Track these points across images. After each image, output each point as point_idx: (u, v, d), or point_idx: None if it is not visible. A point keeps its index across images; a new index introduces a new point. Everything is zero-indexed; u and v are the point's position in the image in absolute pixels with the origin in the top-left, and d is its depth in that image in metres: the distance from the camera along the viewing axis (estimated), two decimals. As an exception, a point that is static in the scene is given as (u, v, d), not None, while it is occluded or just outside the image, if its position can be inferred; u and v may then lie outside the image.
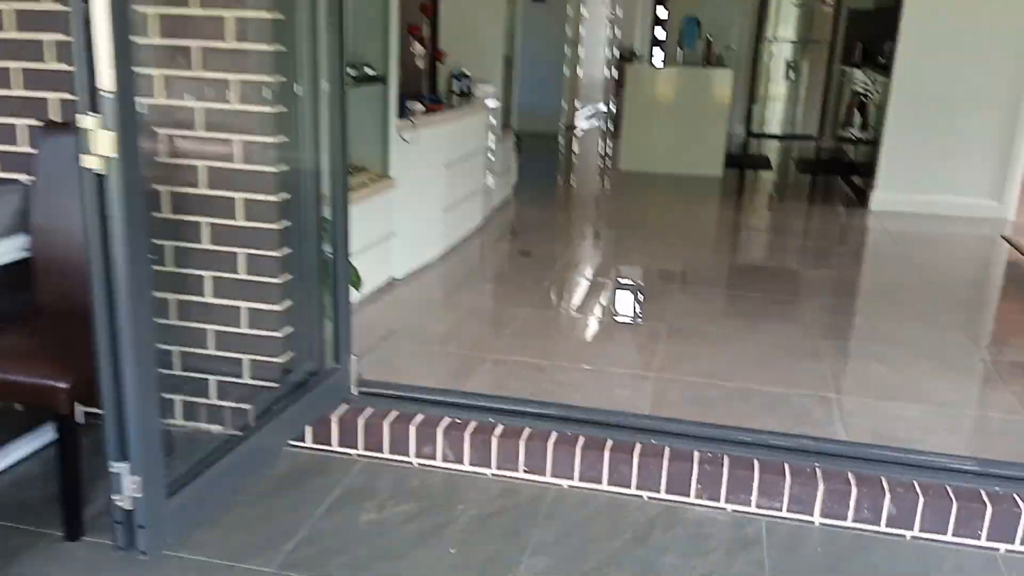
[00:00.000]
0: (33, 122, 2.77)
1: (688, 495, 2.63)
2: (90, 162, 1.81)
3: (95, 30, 1.73)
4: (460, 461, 2.76)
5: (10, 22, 2.72)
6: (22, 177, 2.76)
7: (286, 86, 2.63)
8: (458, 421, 2.79)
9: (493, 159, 5.87)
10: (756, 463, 2.61)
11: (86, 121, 1.79)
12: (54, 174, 2.62)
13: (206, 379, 2.88)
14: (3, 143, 2.85)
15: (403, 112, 4.29)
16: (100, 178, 1.82)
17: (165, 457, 2.16)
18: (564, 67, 10.84)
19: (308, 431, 2.85)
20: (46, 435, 2.72)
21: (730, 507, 2.60)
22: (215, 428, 2.89)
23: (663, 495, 2.64)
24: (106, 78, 1.75)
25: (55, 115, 2.77)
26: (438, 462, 2.78)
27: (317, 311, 2.90)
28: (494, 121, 5.81)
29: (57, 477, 2.31)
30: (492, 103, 5.72)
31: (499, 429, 2.75)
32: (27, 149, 2.79)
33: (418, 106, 4.51)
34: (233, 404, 2.88)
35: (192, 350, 2.85)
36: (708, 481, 2.60)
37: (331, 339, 2.92)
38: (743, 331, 3.86)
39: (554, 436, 2.71)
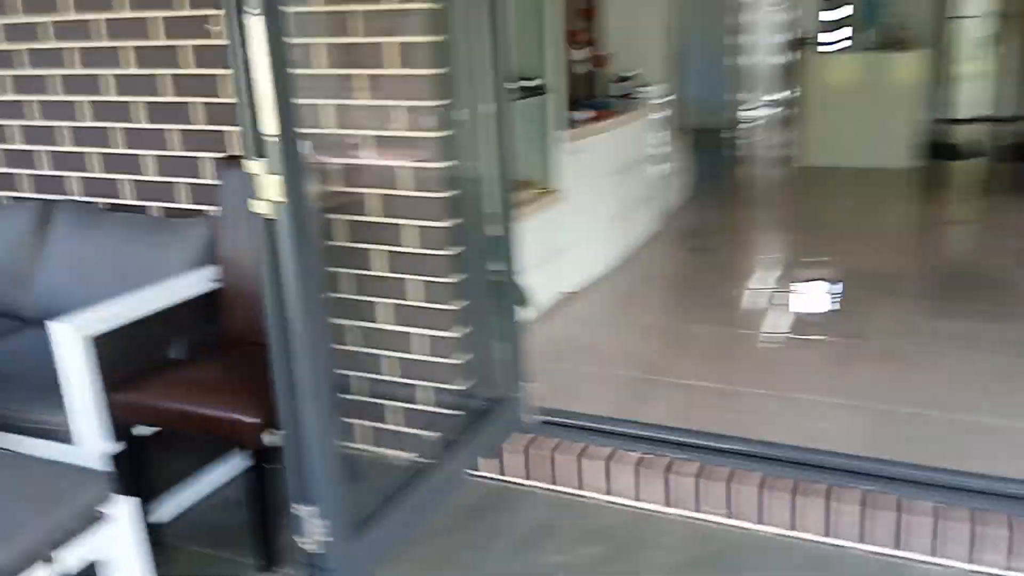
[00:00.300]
0: (216, 155, 2.84)
1: (921, 551, 2.29)
2: (259, 207, 1.76)
3: (255, 76, 1.68)
4: (647, 500, 2.57)
5: (189, 59, 2.80)
6: (209, 208, 2.84)
7: (450, 109, 2.54)
8: (645, 456, 2.60)
9: (664, 162, 5.63)
10: (1009, 520, 2.23)
11: (253, 166, 1.75)
12: (237, 205, 2.65)
13: (388, 405, 2.86)
14: (189, 176, 2.95)
15: (567, 121, 4.15)
16: (270, 222, 1.77)
17: (350, 483, 2.12)
18: (731, 57, 10.36)
19: (485, 460, 2.76)
20: (242, 461, 2.78)
21: (973, 567, 2.25)
22: (398, 455, 2.86)
23: (889, 550, 2.31)
24: (269, 123, 1.70)
25: (235, 148, 2.82)
26: (623, 499, 2.60)
27: (492, 337, 2.81)
28: (662, 122, 5.56)
29: (249, 506, 2.33)
30: (659, 103, 5.48)
31: (690, 467, 2.53)
32: (212, 181, 2.87)
33: (582, 114, 4.35)
34: (414, 431, 2.84)
35: (373, 376, 2.84)
36: (947, 536, 2.26)
37: (506, 365, 2.82)
38: (958, 349, 3.41)
39: (754, 477, 2.46)
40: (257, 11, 1.65)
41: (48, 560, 1.76)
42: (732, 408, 2.97)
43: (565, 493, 2.66)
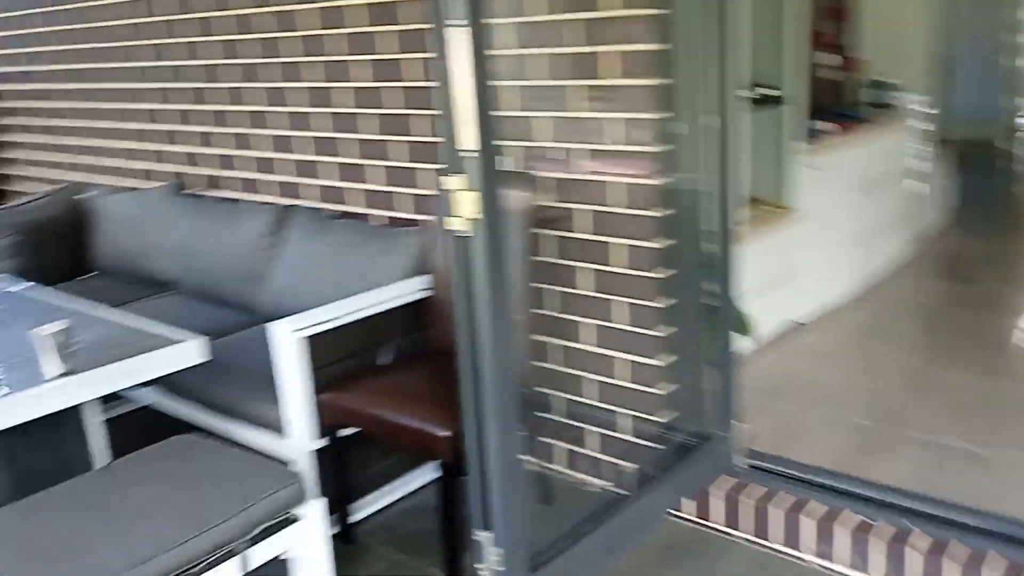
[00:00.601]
0: (434, 165, 2.88)
1: None
2: (454, 224, 1.71)
3: (453, 89, 1.63)
4: (868, 572, 2.25)
5: (418, 72, 2.85)
6: (427, 219, 2.88)
7: (670, 121, 2.37)
8: (869, 521, 2.28)
9: (921, 178, 5.04)
10: None
11: (449, 182, 1.69)
12: (453, 216, 2.67)
13: (585, 429, 2.75)
14: (409, 186, 3.01)
15: (807, 133, 3.80)
16: (464, 239, 1.72)
17: (535, 509, 2.03)
18: (1008, 58, 9.14)
19: (687, 500, 2.56)
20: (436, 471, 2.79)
21: None
22: (592, 481, 2.75)
23: None
24: (468, 138, 1.64)
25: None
26: (840, 567, 2.30)
27: (702, 367, 2.60)
28: (921, 133, 4.99)
29: (440, 518, 2.32)
30: (918, 112, 4.91)
31: (925, 541, 2.19)
32: (430, 192, 2.91)
33: (827, 125, 3.98)
34: (611, 459, 2.71)
35: (571, 397, 2.74)
36: None
37: (716, 399, 2.60)
38: None
39: (1003, 563, 2.08)
40: (458, 23, 1.59)
41: (238, 554, 1.82)
42: (985, 475, 2.54)
43: (772, 549, 2.40)
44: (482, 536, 1.94)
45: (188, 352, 2.21)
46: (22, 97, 4.58)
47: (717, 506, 2.51)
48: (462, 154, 1.66)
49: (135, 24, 3.80)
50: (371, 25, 2.93)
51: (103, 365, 2.06)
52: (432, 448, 2.25)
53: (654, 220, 2.44)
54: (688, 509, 2.57)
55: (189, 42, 3.59)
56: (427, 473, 2.75)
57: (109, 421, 3.28)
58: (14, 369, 2.06)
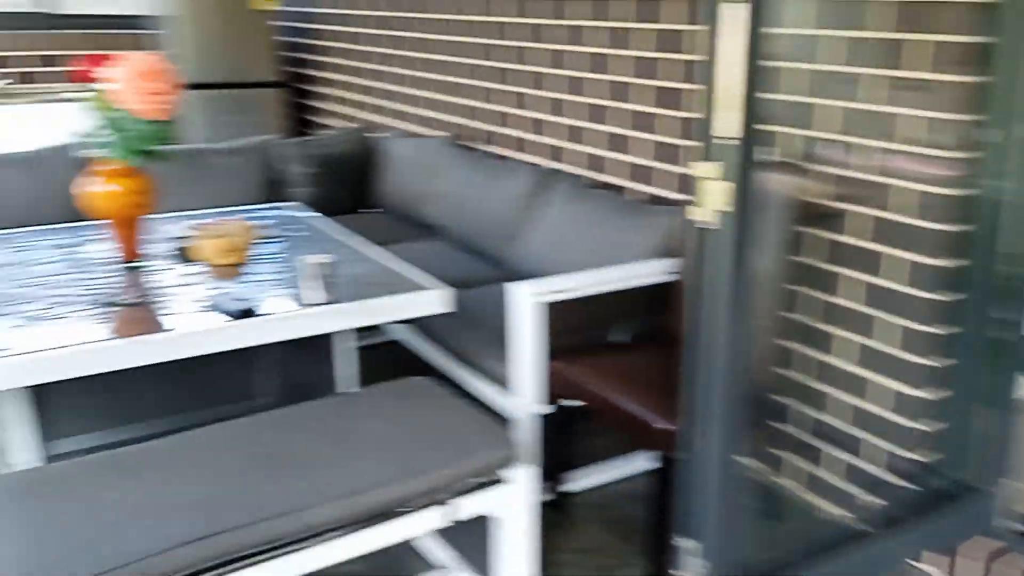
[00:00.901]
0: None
1: None
2: (699, 213, 1.60)
3: (719, 69, 1.50)
4: None
5: (648, 42, 2.71)
6: (684, 198, 2.77)
7: (982, 126, 2.05)
8: None
9: None
10: None
11: (701, 168, 1.58)
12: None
13: (825, 450, 2.52)
14: (671, 162, 2.90)
15: None
16: (708, 231, 1.60)
17: (750, 525, 1.90)
18: None
19: (931, 554, 2.27)
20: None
21: None
22: (826, 506, 2.52)
23: None
24: (727, 123, 1.51)
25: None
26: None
27: (978, 408, 2.27)
28: None
29: (650, 509, 2.25)
30: None
31: None
32: (687, 170, 2.79)
33: None
34: (852, 488, 2.46)
35: (814, 413, 2.52)
36: None
37: (988, 447, 2.26)
38: None
39: None
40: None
41: (443, 504, 1.88)
42: None
43: (1027, 632, 2.07)
44: (685, 544, 1.84)
45: (433, 300, 2.30)
46: (337, 38, 5.00)
47: (968, 568, 2.20)
48: (718, 140, 1.54)
49: (441, -22, 3.98)
50: (662, -8, 2.83)
51: (356, 300, 2.19)
52: (650, 438, 2.18)
53: (946, 235, 2.14)
54: (931, 563, 2.27)
55: (486, -1, 3.70)
56: (649, 460, 2.67)
57: (363, 349, 3.57)
58: (283, 289, 2.26)
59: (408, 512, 1.83)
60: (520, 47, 3.54)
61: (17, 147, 3.61)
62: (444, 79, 4.09)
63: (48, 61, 4.94)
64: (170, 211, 3.41)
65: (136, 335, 1.93)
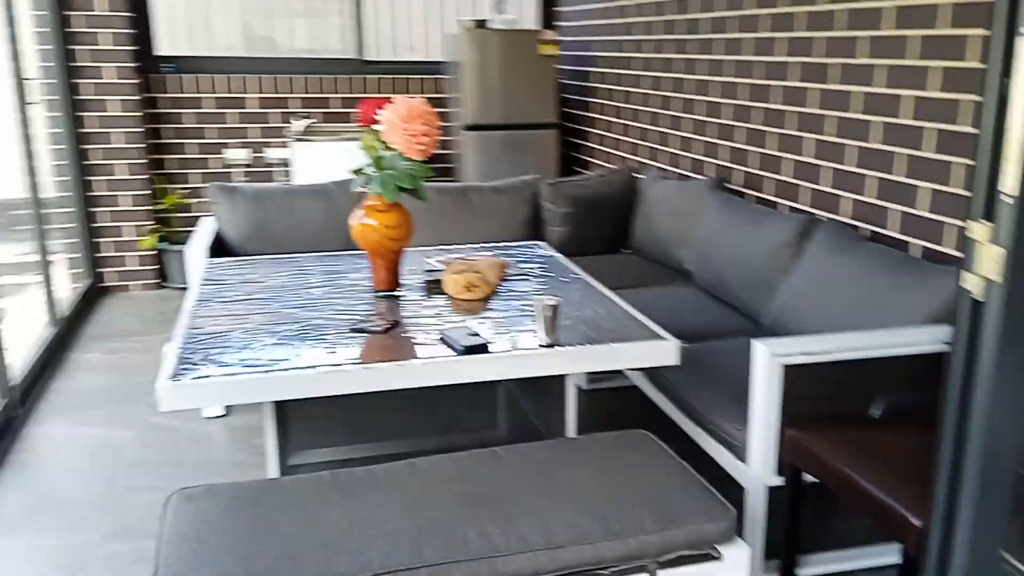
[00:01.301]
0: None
1: None
2: (969, 281, 1.36)
3: (1010, 114, 1.26)
4: None
5: (935, 80, 2.40)
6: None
7: None
8: None
9: None
10: None
11: (975, 229, 1.34)
12: None
13: None
14: (959, 216, 2.55)
15: None
16: (975, 302, 1.36)
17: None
18: None
19: None
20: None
21: None
22: None
23: None
24: (1010, 178, 1.27)
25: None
26: None
27: None
28: None
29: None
30: None
31: None
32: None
33: None
34: None
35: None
36: None
37: None
38: None
39: None
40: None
41: (647, 572, 1.76)
42: None
43: None
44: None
45: (661, 351, 2.20)
46: (609, 81, 5.05)
47: None
48: (1001, 197, 1.31)
49: (709, 18, 3.88)
50: (953, 27, 2.52)
51: (583, 344, 2.15)
52: (898, 531, 1.90)
53: None
54: None
55: (756, 38, 3.54)
56: (898, 553, 2.34)
57: (602, 391, 3.53)
58: (519, 328, 2.28)
59: (602, 575, 1.74)
60: (790, 87, 3.34)
61: (315, 180, 4.04)
62: (710, 120, 3.97)
63: (348, 103, 5.49)
64: (436, 244, 3.62)
65: (372, 362, 2.03)
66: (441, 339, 2.19)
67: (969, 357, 1.40)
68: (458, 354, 2.10)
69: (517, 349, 2.13)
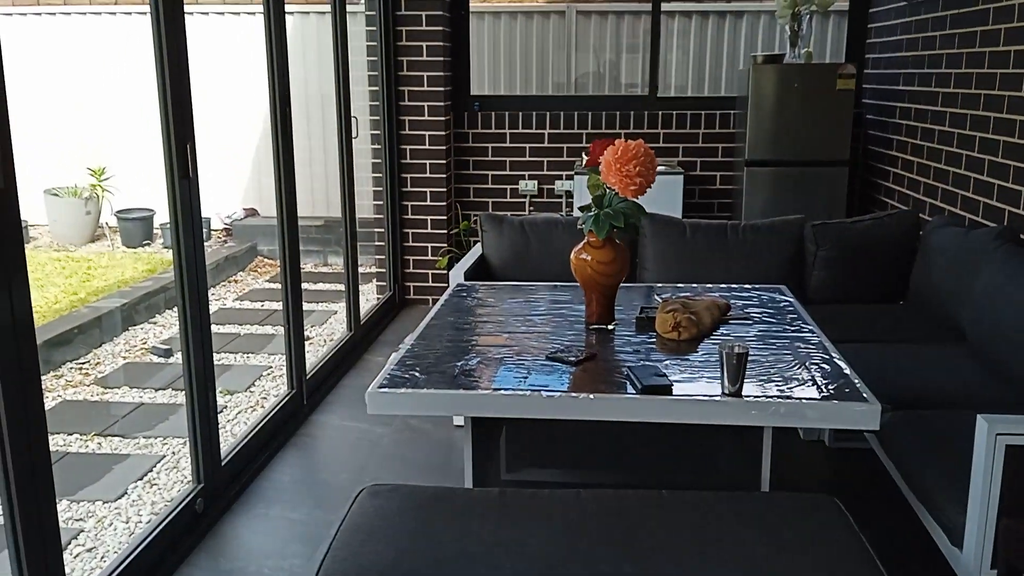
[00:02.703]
0: None
1: None
2: None
3: None
4: None
5: None
6: None
7: None
8: None
9: None
10: None
11: None
12: None
13: None
14: None
15: None
16: None
17: None
18: None
19: None
20: None
21: None
22: None
23: None
24: None
25: None
26: None
27: None
28: None
29: None
30: None
31: None
32: None
33: None
34: None
35: None
36: None
37: None
38: None
39: None
40: None
41: (789, 645, 1.67)
42: None
43: None
44: None
45: (858, 415, 2.04)
46: (914, 116, 4.65)
47: None
48: None
49: (1013, 51, 3.44)
50: None
51: (775, 398, 2.08)
52: None
53: None
54: None
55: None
56: None
57: (840, 450, 3.30)
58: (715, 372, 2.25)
59: (743, 638, 1.68)
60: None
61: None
62: (1008, 163, 3.53)
63: (636, 137, 5.63)
64: (690, 281, 3.64)
65: (561, 392, 2.14)
66: (626, 375, 2.24)
67: None
68: (637, 392, 2.13)
69: (697, 395, 2.11)
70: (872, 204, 5.28)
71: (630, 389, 2.16)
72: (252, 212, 7.24)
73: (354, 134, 4.67)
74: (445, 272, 5.62)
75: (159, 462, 3.53)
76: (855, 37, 5.56)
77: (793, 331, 2.62)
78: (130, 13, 6.87)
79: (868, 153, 5.35)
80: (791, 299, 3.00)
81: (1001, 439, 1.95)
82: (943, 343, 3.24)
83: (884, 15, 5.16)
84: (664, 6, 5.73)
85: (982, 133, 3.78)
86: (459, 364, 2.34)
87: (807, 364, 2.31)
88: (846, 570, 1.74)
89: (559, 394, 2.13)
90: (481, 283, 3.29)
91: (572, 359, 2.36)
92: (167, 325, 5.30)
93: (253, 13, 6.89)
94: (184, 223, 2.76)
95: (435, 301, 5.65)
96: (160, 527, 2.64)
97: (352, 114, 4.64)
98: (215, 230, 7.14)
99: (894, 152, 4.91)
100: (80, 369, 4.56)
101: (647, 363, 2.33)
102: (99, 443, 3.72)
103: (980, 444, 1.98)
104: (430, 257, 5.63)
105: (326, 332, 5.36)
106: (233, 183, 7.20)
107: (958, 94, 4.04)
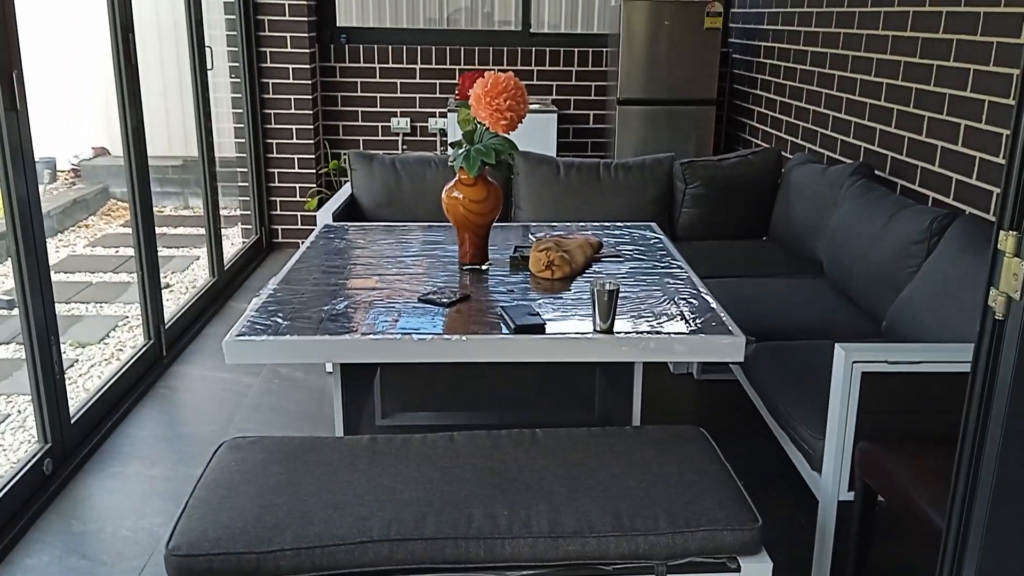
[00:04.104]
0: None
1: None
2: (992, 297, 1.19)
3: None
4: None
5: None
6: None
7: None
8: None
9: None
10: None
11: (1003, 239, 1.17)
12: None
13: None
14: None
15: None
16: (996, 322, 1.18)
17: None
18: None
19: None
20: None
21: None
22: None
23: None
24: None
25: None
26: None
27: None
28: None
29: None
30: None
31: None
32: None
33: None
34: None
35: None
36: None
37: None
38: None
39: None
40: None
41: (655, 574, 1.69)
42: None
43: None
44: None
45: (724, 348, 2.08)
46: (774, 55, 4.75)
47: None
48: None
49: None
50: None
51: (645, 333, 2.08)
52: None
53: None
54: None
55: (917, 11, 3.20)
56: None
57: (710, 383, 3.41)
58: (587, 309, 2.24)
59: (606, 571, 1.69)
60: (950, 67, 3.00)
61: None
62: (865, 100, 3.66)
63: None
64: (562, 219, 3.61)
65: (417, 332, 2.07)
66: (499, 316, 2.20)
67: (985, 375, 1.22)
68: (510, 332, 2.09)
69: (570, 333, 2.09)
70: (737, 143, 5.42)
71: (504, 329, 2.12)
72: (102, 152, 6.74)
73: (209, 66, 4.37)
74: (314, 214, 5.41)
75: (3, 421, 3.27)
76: (723, -25, 5.61)
77: (663, 267, 2.64)
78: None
79: (734, 92, 5.46)
80: (660, 236, 3.02)
81: (857, 367, 2.03)
82: (803, 276, 3.37)
83: (750, -46, 5.22)
84: (536, -62, 5.60)
85: (840, 72, 3.90)
86: (326, 308, 2.24)
87: (676, 299, 2.33)
88: (712, 496, 1.77)
89: (431, 336, 2.07)
90: (351, 224, 3.16)
91: (445, 300, 2.30)
92: (9, 275, 4.88)
93: (93, -68, 6.29)
94: (13, 161, 2.50)
95: (305, 244, 5.44)
96: (4, 490, 2.44)
97: (207, 44, 4.33)
98: (61, 171, 6.61)
99: (758, 91, 5.02)
100: (-93, 324, 4.16)
101: (521, 303, 2.29)
102: (-68, 404, 3.41)
103: (838, 372, 2.05)
104: (298, 199, 5.40)
105: (188, 279, 5.09)
106: (81, 120, 6.65)
107: (819, 33, 4.15)
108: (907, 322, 2.57)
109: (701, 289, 2.42)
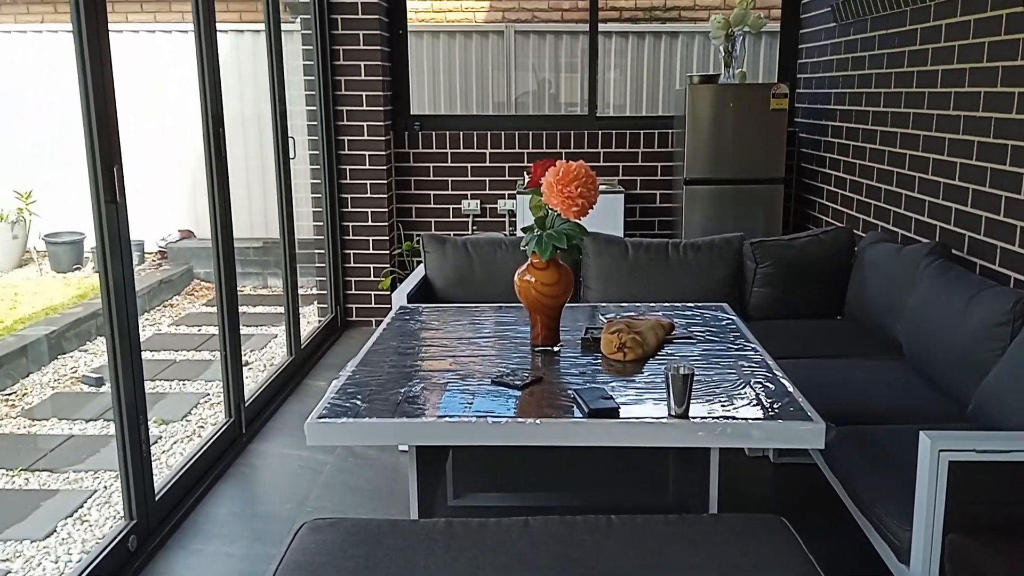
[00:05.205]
0: None
1: None
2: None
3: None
4: None
5: None
6: None
7: None
8: None
9: None
10: None
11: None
12: None
13: None
14: None
15: None
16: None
17: None
18: None
19: None
20: None
21: None
22: None
23: None
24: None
25: None
26: None
27: None
28: None
29: None
30: None
31: None
32: None
33: None
34: None
35: None
36: None
37: None
38: None
39: None
40: None
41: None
42: None
43: None
44: None
45: (804, 434, 2.05)
46: (846, 135, 4.76)
47: None
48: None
49: (942, 70, 3.55)
50: None
51: (721, 419, 2.07)
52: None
53: None
54: None
55: (989, 92, 3.19)
56: None
57: (784, 465, 3.33)
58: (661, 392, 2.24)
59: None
60: (1003, 143, 2.97)
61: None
62: (938, 179, 3.62)
63: (576, 157, 5.66)
64: (631, 300, 3.63)
65: (492, 416, 2.10)
66: (572, 400, 2.21)
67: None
68: (584, 416, 2.11)
69: (645, 417, 2.09)
70: (807, 220, 5.39)
71: (577, 413, 2.13)
72: (188, 234, 7.06)
73: (291, 154, 4.58)
74: (388, 293, 5.54)
75: (90, 497, 3.38)
76: (787, 57, 5.68)
77: (736, 349, 2.63)
78: (56, 31, 6.66)
79: (802, 171, 5.46)
80: (733, 316, 3.01)
81: (944, 455, 1.97)
82: (881, 357, 3.30)
83: (814, 35, 5.29)
84: (601, 27, 5.78)
85: (912, 151, 3.88)
86: (402, 390, 2.29)
87: (751, 383, 2.32)
88: (796, 592, 1.73)
89: (505, 420, 2.09)
90: (425, 305, 3.23)
91: (518, 383, 2.33)
92: (99, 353, 5.11)
93: (185, 31, 6.74)
94: (111, 248, 2.65)
95: (378, 322, 5.56)
96: (90, 567, 2.52)
97: (289, 134, 4.55)
98: (149, 253, 6.93)
99: (827, 169, 5.01)
100: (6, 401, 4.36)
101: (593, 385, 2.31)
102: (26, 478, 3.55)
103: (924, 461, 2.00)
104: (372, 278, 5.55)
105: (266, 357, 5.23)
106: (169, 204, 7.00)
107: (888, 113, 4.15)
108: (994, 407, 2.49)
109: (777, 372, 2.40)
